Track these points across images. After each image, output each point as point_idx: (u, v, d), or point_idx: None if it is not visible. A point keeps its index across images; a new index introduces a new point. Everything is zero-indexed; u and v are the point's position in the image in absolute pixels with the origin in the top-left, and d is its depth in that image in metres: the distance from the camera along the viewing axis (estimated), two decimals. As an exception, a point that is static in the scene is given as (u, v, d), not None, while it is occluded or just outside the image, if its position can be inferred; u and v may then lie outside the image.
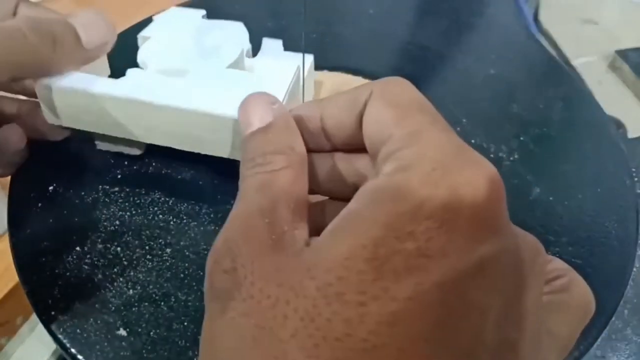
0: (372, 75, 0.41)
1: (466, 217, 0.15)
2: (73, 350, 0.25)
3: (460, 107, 0.38)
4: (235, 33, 0.37)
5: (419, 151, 0.17)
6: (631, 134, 0.50)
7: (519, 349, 0.16)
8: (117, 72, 0.30)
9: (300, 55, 0.35)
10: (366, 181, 0.20)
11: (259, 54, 0.36)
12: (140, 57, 0.33)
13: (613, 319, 0.28)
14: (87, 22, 0.28)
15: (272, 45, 0.36)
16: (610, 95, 0.61)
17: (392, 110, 0.19)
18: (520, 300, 0.17)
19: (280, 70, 0.31)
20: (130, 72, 0.30)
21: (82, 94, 0.28)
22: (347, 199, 0.23)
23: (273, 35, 0.38)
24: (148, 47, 0.34)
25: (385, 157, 0.18)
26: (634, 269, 0.30)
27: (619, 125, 0.49)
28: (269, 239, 0.17)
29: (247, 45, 0.36)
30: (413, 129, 0.18)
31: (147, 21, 0.38)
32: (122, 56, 0.32)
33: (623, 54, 0.64)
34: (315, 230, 0.18)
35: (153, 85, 0.29)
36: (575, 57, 0.65)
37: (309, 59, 0.36)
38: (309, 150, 0.22)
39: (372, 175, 0.19)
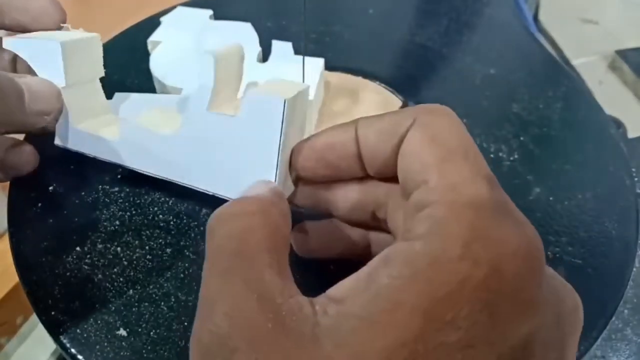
0: (372, 75, 0.41)
1: (508, 296, 0.14)
2: (73, 350, 0.25)
3: (460, 106, 0.38)
4: (245, 36, 0.37)
5: (459, 214, 0.15)
6: (631, 134, 0.50)
7: None
8: (119, 71, 0.30)
9: (314, 60, 0.35)
10: (385, 208, 0.20)
11: (271, 58, 0.36)
12: (155, 72, 0.33)
13: (613, 319, 0.28)
14: (35, 87, 0.26)
15: (282, 49, 0.37)
16: (610, 95, 0.61)
17: (434, 149, 0.17)
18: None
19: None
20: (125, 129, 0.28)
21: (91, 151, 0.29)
22: (355, 223, 0.23)
23: (273, 35, 0.38)
24: (159, 57, 0.34)
25: (419, 205, 0.16)
26: (634, 269, 0.30)
27: (619, 125, 0.49)
28: (267, 323, 0.14)
29: (258, 49, 0.36)
30: (453, 180, 0.16)
31: (149, 21, 0.38)
32: (123, 56, 0.32)
33: (623, 53, 0.64)
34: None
35: (160, 160, 0.27)
36: (575, 57, 0.65)
37: (321, 62, 0.36)
38: (339, 178, 0.21)
39: (399, 222, 0.17)
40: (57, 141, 0.30)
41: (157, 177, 0.28)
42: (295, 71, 0.32)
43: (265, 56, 0.37)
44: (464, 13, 0.48)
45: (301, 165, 0.22)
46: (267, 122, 0.22)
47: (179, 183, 0.27)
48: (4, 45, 0.27)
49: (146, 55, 0.35)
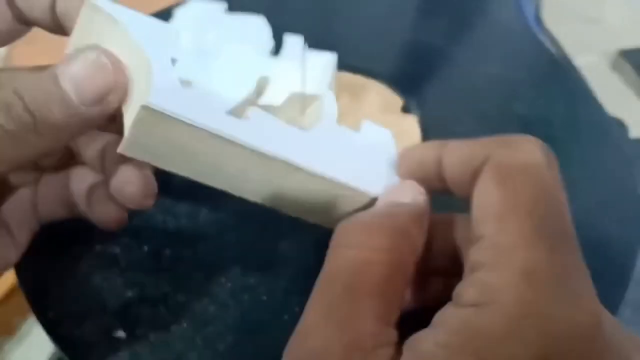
0: (372, 74, 0.40)
1: None
2: (71, 352, 0.25)
3: (462, 106, 0.38)
4: (258, 29, 0.38)
5: (509, 284, 0.14)
6: (633, 134, 0.50)
7: None
8: None
9: (327, 54, 0.36)
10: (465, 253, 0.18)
11: (283, 52, 0.36)
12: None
13: (615, 319, 0.28)
14: (80, 72, 0.19)
15: (294, 43, 0.37)
16: (613, 94, 0.61)
17: (500, 194, 0.16)
18: None
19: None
20: (254, 114, 0.23)
21: (195, 130, 0.20)
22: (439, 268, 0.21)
23: (274, 34, 0.38)
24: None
25: (473, 265, 0.16)
26: (636, 269, 0.30)
27: (621, 125, 0.49)
28: None
29: (271, 43, 0.37)
30: (510, 240, 0.15)
31: (163, 13, 0.38)
32: None
33: (626, 53, 0.63)
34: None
35: (288, 140, 0.22)
36: (578, 56, 0.64)
37: (334, 57, 0.36)
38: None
39: (457, 289, 0.16)
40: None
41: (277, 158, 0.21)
42: (307, 66, 0.32)
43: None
44: (465, 12, 0.48)
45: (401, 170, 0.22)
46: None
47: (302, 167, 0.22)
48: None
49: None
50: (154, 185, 0.23)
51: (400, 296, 0.17)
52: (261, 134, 0.21)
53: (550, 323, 0.14)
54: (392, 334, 0.16)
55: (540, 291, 0.14)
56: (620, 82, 0.63)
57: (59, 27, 0.22)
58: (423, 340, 0.15)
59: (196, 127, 0.20)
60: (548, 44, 0.55)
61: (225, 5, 0.39)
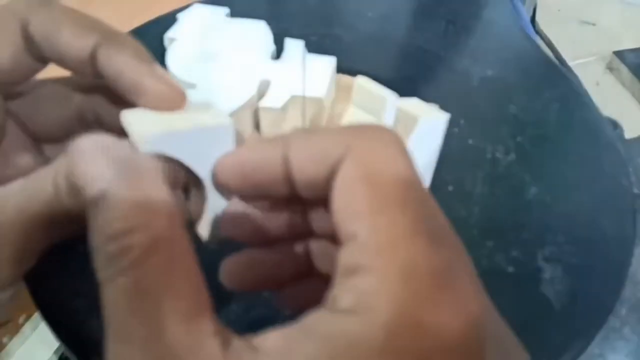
0: (370, 77, 0.41)
1: None
2: (75, 348, 0.26)
3: (457, 108, 0.39)
4: (259, 34, 0.38)
5: (388, 289, 0.13)
6: (628, 135, 0.50)
7: None
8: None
9: (326, 58, 0.37)
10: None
11: (284, 56, 0.37)
12: (171, 67, 0.34)
13: (611, 317, 0.28)
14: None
15: (295, 47, 0.37)
16: (608, 96, 0.61)
17: (368, 192, 0.15)
18: None
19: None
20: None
21: None
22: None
23: (275, 38, 0.38)
24: (175, 53, 0.35)
25: (347, 269, 0.14)
26: (631, 268, 0.31)
27: (616, 125, 0.49)
28: None
29: (272, 47, 0.37)
30: (386, 238, 0.14)
31: (167, 17, 0.38)
32: None
33: (620, 55, 0.64)
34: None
35: None
36: (573, 58, 0.65)
37: (333, 60, 0.37)
38: (260, 199, 0.19)
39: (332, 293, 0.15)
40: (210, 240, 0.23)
41: None
42: (309, 68, 0.33)
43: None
44: (461, 15, 0.49)
45: (226, 183, 0.19)
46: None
47: None
48: (136, 140, 0.19)
49: (162, 50, 0.36)
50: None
51: (193, 282, 0.15)
52: None
53: (431, 334, 0.13)
54: (207, 325, 0.14)
55: (418, 295, 0.13)
56: (615, 83, 0.64)
57: (93, 74, 0.22)
58: (295, 345, 0.14)
59: None
60: (543, 46, 0.56)
61: (227, 11, 0.39)
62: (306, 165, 0.16)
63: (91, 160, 0.15)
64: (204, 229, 0.23)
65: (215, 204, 0.22)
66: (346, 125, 0.17)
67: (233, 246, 0.21)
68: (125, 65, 0.21)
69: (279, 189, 0.17)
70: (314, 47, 0.38)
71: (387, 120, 0.32)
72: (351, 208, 0.15)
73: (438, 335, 0.13)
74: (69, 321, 0.26)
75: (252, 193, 0.18)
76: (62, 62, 0.23)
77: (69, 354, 0.26)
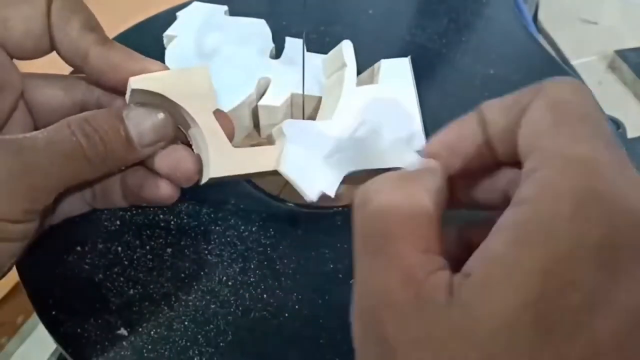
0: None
1: (628, 254, 0.14)
2: (74, 349, 0.25)
3: (459, 106, 0.38)
4: (259, 32, 0.38)
5: (569, 173, 0.15)
6: (630, 134, 0.50)
7: None
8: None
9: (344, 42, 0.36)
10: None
11: (284, 55, 0.36)
12: (169, 65, 0.34)
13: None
14: (140, 120, 0.25)
15: (295, 46, 0.37)
16: (610, 95, 0.61)
17: (552, 114, 0.16)
18: None
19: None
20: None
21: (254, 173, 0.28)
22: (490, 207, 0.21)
23: (273, 35, 0.38)
24: (174, 51, 0.35)
25: (530, 171, 0.16)
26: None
27: (618, 125, 0.49)
28: (409, 298, 0.15)
29: (271, 45, 0.37)
30: (566, 142, 0.15)
31: (166, 15, 0.38)
32: (138, 48, 0.32)
33: (622, 54, 0.64)
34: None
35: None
36: (575, 57, 0.65)
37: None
38: (472, 168, 0.20)
39: (515, 195, 0.16)
40: (213, 174, 0.26)
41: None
42: (309, 67, 0.33)
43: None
44: (463, 13, 0.48)
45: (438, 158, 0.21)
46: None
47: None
48: (133, 85, 0.25)
49: (161, 48, 0.36)
50: (200, 162, 0.27)
51: (433, 228, 0.17)
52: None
53: (613, 203, 0.14)
54: (440, 261, 0.16)
55: (601, 177, 0.14)
56: (617, 82, 0.63)
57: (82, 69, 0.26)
58: (491, 245, 0.15)
59: (251, 172, 0.27)
60: (546, 45, 0.55)
61: (225, 8, 0.39)
62: (501, 121, 0.18)
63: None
64: (216, 172, 0.27)
65: (203, 144, 0.26)
66: None
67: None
68: (125, 53, 0.26)
69: (483, 156, 0.19)
70: (314, 45, 0.38)
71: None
72: (535, 129, 0.16)
73: (621, 203, 0.14)
74: (66, 323, 0.26)
75: (461, 164, 0.20)
76: (59, 49, 0.26)
77: (66, 355, 0.26)
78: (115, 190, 0.28)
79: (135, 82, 0.25)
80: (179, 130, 0.27)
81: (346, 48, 0.34)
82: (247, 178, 0.28)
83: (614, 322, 0.13)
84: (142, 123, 0.25)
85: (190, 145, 0.28)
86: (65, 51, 0.26)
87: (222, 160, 0.26)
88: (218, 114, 0.27)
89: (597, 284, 0.13)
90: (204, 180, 0.27)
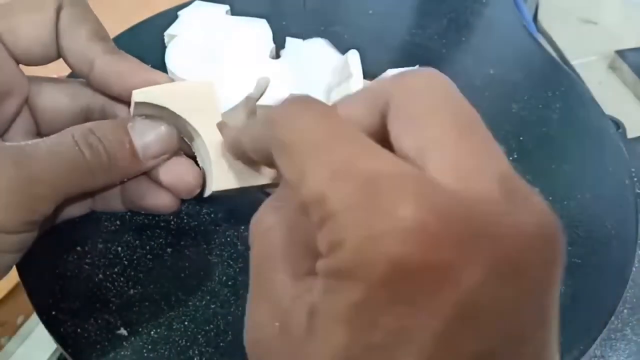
0: (371, 75, 0.41)
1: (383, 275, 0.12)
2: (73, 349, 0.25)
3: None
4: (260, 32, 0.38)
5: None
6: (630, 134, 0.50)
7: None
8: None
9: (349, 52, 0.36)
10: None
11: (284, 55, 0.36)
12: (170, 65, 0.34)
13: (612, 318, 0.28)
14: (145, 132, 0.25)
15: (295, 46, 0.38)
16: (610, 95, 0.61)
17: (422, 104, 0.16)
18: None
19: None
20: None
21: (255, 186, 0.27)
22: None
23: (274, 35, 0.38)
24: (175, 51, 0.35)
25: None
26: (634, 269, 0.30)
27: (618, 125, 0.49)
28: (274, 332, 0.15)
29: (271, 45, 0.37)
30: (434, 133, 0.15)
31: (167, 14, 0.39)
32: (139, 47, 0.32)
33: (623, 54, 0.64)
34: None
35: None
36: (575, 57, 0.65)
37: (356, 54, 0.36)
38: None
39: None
40: (210, 191, 0.27)
41: None
42: (307, 68, 0.33)
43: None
44: (463, 13, 0.48)
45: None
46: None
47: None
48: (136, 98, 0.25)
49: (162, 47, 0.36)
50: (201, 176, 0.27)
51: (301, 245, 0.16)
52: None
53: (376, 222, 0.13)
54: (309, 281, 0.15)
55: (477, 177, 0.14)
56: (617, 82, 0.63)
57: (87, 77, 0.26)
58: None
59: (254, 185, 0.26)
60: (546, 45, 0.55)
61: (227, 8, 0.39)
62: (362, 118, 0.17)
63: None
64: (219, 185, 0.26)
65: (206, 157, 0.26)
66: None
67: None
68: (131, 64, 0.26)
69: None
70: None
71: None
72: (403, 125, 0.16)
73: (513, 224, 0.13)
74: (66, 323, 0.26)
75: None
76: (66, 56, 0.26)
77: (66, 355, 0.26)
78: (114, 196, 0.28)
79: (138, 95, 0.25)
80: (184, 142, 0.27)
81: (352, 58, 0.33)
82: (254, 190, 0.27)
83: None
84: (147, 135, 0.25)
85: (194, 157, 0.27)
86: (73, 59, 0.26)
87: (225, 173, 0.26)
88: None
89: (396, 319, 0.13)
90: (207, 193, 0.27)
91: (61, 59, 0.27)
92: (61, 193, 0.23)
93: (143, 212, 0.29)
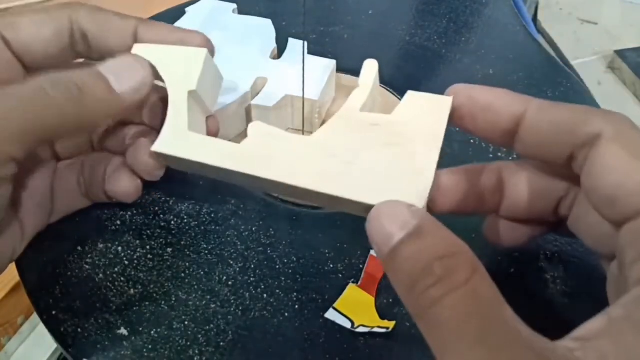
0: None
1: None
2: (74, 349, 0.25)
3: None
4: (264, 31, 0.39)
5: None
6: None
7: None
8: None
9: (326, 61, 0.37)
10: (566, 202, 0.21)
11: (285, 55, 0.37)
12: None
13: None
14: (118, 68, 0.25)
15: (297, 47, 0.38)
16: (610, 95, 0.61)
17: None
18: None
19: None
20: (254, 129, 0.25)
21: (200, 164, 0.25)
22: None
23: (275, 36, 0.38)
24: None
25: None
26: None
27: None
28: None
29: (273, 45, 0.37)
30: None
31: (175, 10, 0.40)
32: None
33: (622, 54, 0.64)
34: None
35: (284, 159, 0.24)
36: (574, 57, 0.65)
37: (332, 63, 0.37)
38: (480, 136, 0.22)
39: (594, 232, 0.18)
40: (157, 147, 0.26)
41: (276, 181, 0.24)
42: (307, 70, 0.33)
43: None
44: (463, 14, 0.49)
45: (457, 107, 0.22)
46: (430, 116, 0.22)
47: (305, 188, 0.23)
48: (134, 50, 0.27)
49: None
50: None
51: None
52: (256, 162, 0.24)
53: None
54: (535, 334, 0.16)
55: None
56: (617, 82, 0.63)
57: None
58: (635, 317, 0.15)
59: (195, 161, 0.25)
60: (545, 45, 0.56)
61: (234, 6, 0.40)
62: (547, 129, 0.19)
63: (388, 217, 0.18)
64: (161, 146, 0.26)
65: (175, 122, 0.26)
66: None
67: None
68: (166, 30, 0.28)
69: (496, 135, 0.21)
70: (314, 45, 0.38)
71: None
72: (627, 183, 0.17)
73: None
74: (66, 322, 0.26)
75: (468, 122, 0.22)
76: (105, 44, 0.27)
77: (66, 355, 0.26)
78: (99, 183, 0.29)
79: (136, 49, 0.27)
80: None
81: (367, 68, 0.28)
82: (215, 175, 0.26)
83: None
84: (121, 71, 0.25)
85: None
86: (112, 38, 0.27)
87: (173, 139, 0.26)
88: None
89: None
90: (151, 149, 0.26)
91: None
92: (24, 131, 0.22)
93: (107, 200, 0.30)
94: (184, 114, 0.26)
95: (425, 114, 0.23)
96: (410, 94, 0.23)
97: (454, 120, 0.23)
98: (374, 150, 0.23)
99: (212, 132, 0.29)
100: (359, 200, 0.22)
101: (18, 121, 0.22)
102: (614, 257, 0.21)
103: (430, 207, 0.23)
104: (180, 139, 0.26)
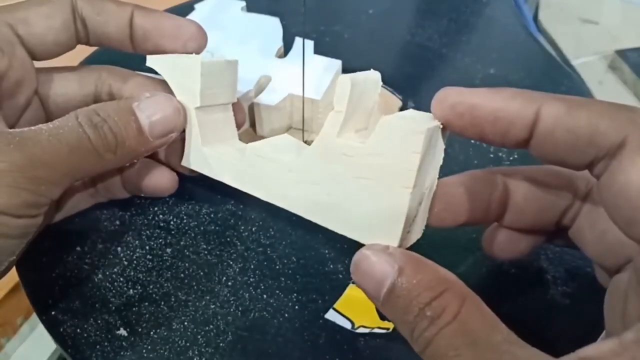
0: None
1: None
2: (73, 350, 0.25)
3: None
4: (271, 30, 0.39)
5: None
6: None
7: None
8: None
9: (332, 61, 0.36)
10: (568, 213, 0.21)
11: (290, 54, 0.37)
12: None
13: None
14: (152, 111, 0.25)
15: (302, 47, 0.37)
16: (610, 95, 0.61)
17: None
18: None
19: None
20: (249, 150, 0.25)
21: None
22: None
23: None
24: None
25: None
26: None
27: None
28: None
29: (279, 44, 0.37)
30: None
31: (184, 6, 0.40)
32: None
33: (623, 54, 0.63)
34: None
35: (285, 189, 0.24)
36: (575, 57, 0.65)
37: (338, 63, 0.37)
38: (482, 140, 0.20)
39: (598, 249, 0.19)
40: (184, 162, 0.28)
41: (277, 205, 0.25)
42: (312, 70, 0.33)
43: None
44: (463, 13, 0.48)
45: (445, 115, 0.20)
46: (402, 151, 0.20)
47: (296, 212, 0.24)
48: (148, 63, 0.27)
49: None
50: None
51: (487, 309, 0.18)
52: (252, 182, 0.25)
53: None
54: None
55: None
56: (617, 82, 0.63)
57: (130, 44, 0.28)
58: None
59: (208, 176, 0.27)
60: (546, 45, 0.55)
61: (243, 4, 0.40)
62: (563, 134, 0.17)
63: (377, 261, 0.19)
64: (185, 161, 0.28)
65: (195, 135, 0.27)
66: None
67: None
68: (161, 17, 0.27)
69: (506, 137, 0.19)
70: (315, 43, 0.38)
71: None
72: None
73: None
74: (66, 323, 0.26)
75: (473, 133, 0.19)
76: (103, 30, 0.27)
77: (66, 355, 0.26)
78: (116, 183, 0.29)
79: (149, 61, 0.27)
80: None
81: (339, 87, 0.22)
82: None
83: None
84: (154, 114, 0.25)
85: None
86: (110, 26, 0.27)
87: (191, 156, 0.28)
88: (234, 105, 0.29)
89: None
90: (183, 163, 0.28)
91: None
92: (66, 176, 0.23)
93: (143, 194, 0.30)
94: (197, 131, 0.27)
95: (400, 143, 0.20)
96: (384, 120, 0.20)
97: (454, 131, 0.20)
98: (349, 183, 0.22)
99: (240, 123, 0.29)
100: (342, 234, 0.23)
101: (63, 169, 0.22)
102: (618, 270, 0.21)
103: (437, 223, 0.23)
104: (196, 156, 0.27)
